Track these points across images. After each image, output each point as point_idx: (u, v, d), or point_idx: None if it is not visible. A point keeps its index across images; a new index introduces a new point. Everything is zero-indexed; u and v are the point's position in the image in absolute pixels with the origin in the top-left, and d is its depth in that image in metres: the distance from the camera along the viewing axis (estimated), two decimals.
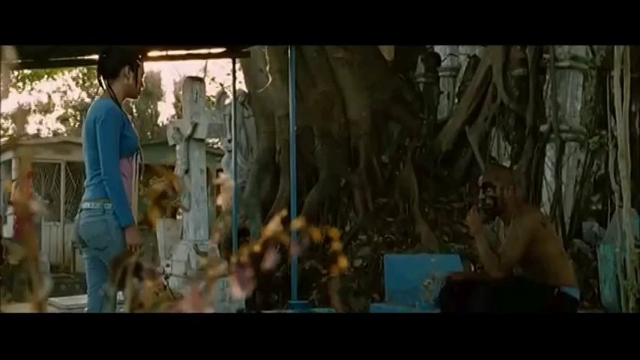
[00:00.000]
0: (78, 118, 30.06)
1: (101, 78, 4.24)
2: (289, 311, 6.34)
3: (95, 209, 3.97)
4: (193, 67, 50.45)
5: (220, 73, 31.31)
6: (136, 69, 4.21)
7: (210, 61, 22.77)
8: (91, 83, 29.06)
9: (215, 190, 13.42)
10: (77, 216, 4.11)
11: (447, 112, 10.45)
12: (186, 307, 0.90)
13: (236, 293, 0.92)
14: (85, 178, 4.19)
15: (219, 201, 1.20)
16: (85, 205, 4.05)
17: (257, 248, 1.09)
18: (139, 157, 4.20)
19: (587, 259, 7.85)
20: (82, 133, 4.25)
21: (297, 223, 1.08)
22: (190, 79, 7.65)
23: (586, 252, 8.05)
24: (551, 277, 4.43)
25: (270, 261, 0.93)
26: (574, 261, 6.65)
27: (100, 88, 4.31)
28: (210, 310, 0.90)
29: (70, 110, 30.47)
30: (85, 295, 4.27)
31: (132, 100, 4.58)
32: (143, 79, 4.32)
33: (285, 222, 1.08)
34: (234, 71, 8.85)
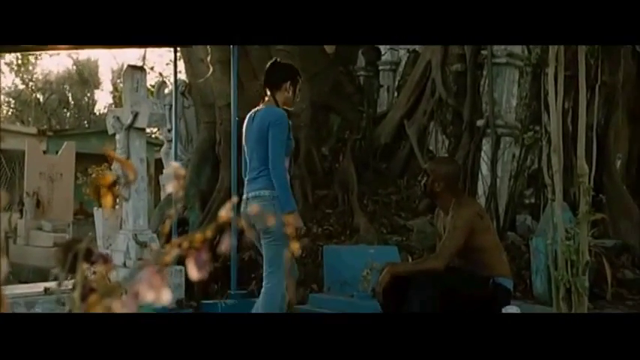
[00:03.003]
0: (12, 105, 29.35)
1: (266, 89, 4.89)
2: (229, 301, 6.37)
3: (266, 196, 4.63)
4: (132, 55, 49.66)
5: (159, 62, 30.92)
6: (295, 84, 4.90)
7: (149, 50, 22.53)
8: (27, 69, 28.41)
9: (153, 179, 13.29)
10: (244, 202, 4.68)
11: (387, 106, 10.55)
12: (144, 288, 0.93)
13: (192, 276, 0.95)
14: (250, 171, 4.82)
15: (170, 189, 1.23)
16: (256, 193, 4.69)
17: (208, 235, 1.13)
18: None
19: (520, 251, 8.05)
20: (247, 134, 4.90)
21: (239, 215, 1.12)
22: (131, 68, 7.55)
23: (519, 244, 8.25)
24: (487, 267, 4.56)
25: (225, 246, 0.97)
26: (508, 253, 6.81)
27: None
28: (166, 292, 0.93)
29: (3, 97, 29.70)
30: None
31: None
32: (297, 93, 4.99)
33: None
34: (175, 60, 8.77)
